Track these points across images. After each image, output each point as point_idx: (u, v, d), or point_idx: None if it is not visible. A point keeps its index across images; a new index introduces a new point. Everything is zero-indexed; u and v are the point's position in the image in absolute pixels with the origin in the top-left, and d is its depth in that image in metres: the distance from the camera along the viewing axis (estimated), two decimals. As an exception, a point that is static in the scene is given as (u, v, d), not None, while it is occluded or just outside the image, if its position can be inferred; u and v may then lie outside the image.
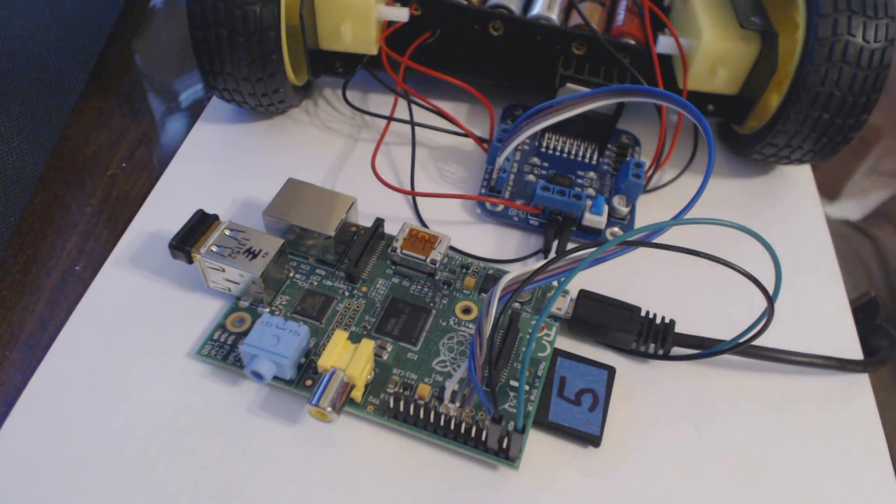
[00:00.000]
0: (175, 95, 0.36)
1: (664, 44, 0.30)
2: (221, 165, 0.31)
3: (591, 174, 0.31)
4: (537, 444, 0.22)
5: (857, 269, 0.31)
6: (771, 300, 0.21)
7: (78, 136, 0.33)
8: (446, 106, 0.32)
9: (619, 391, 0.24)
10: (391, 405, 0.21)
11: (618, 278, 0.27)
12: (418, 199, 0.30)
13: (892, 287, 0.31)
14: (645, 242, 0.20)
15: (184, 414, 0.22)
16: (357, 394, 0.22)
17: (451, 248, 0.27)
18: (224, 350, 0.23)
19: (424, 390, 0.22)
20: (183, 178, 0.30)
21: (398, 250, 0.25)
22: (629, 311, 0.25)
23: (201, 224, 0.24)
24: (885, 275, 0.31)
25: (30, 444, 0.21)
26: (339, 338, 0.22)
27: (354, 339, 0.23)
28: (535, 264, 0.21)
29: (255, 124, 0.33)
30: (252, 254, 0.24)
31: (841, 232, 0.32)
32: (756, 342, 0.23)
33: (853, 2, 0.26)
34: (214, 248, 0.24)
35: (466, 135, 0.31)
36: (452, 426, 0.21)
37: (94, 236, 0.28)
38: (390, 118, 0.31)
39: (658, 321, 0.25)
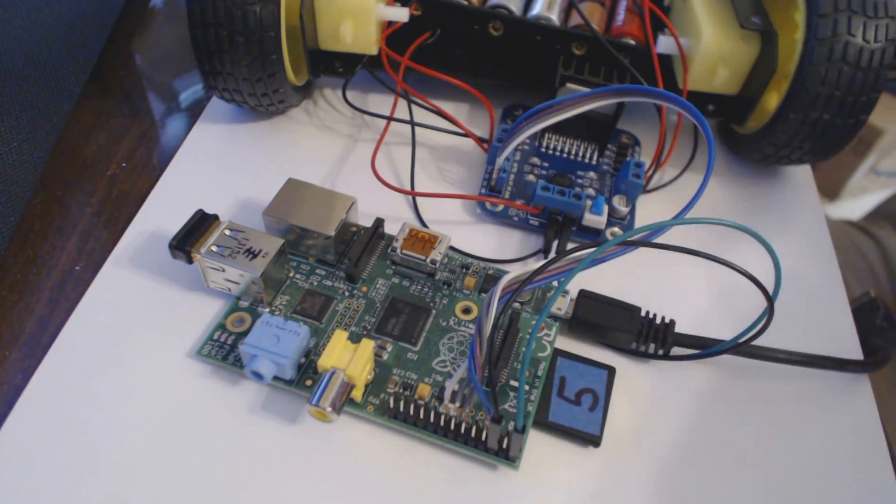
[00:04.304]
0: (175, 95, 0.36)
1: (664, 44, 0.30)
2: (221, 165, 0.31)
3: (591, 174, 0.31)
4: (537, 444, 0.22)
5: (857, 269, 0.31)
6: (771, 300, 0.21)
7: (78, 136, 0.33)
8: (446, 106, 0.32)
9: (619, 391, 0.24)
10: (391, 405, 0.21)
11: (618, 278, 0.27)
12: (418, 199, 0.30)
13: (894, 286, 0.31)
14: (645, 242, 0.20)
15: (184, 414, 0.22)
16: (357, 394, 0.22)
17: (451, 248, 0.27)
18: (224, 350, 0.23)
19: (424, 390, 0.22)
20: (183, 178, 0.30)
21: (398, 250, 0.25)
22: (629, 311, 0.25)
23: (201, 224, 0.24)
24: (886, 274, 0.31)
25: (30, 444, 0.21)
26: (339, 338, 0.22)
27: (354, 339, 0.23)
28: (535, 264, 0.21)
29: (255, 124, 0.33)
30: (252, 254, 0.24)
31: (841, 232, 0.32)
32: (756, 342, 0.23)
33: (853, 2, 0.26)
34: (214, 248, 0.24)
35: (466, 135, 0.31)
36: (452, 426, 0.21)
37: (94, 236, 0.28)
38: (390, 118, 0.31)
39: (658, 321, 0.25)
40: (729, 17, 0.30)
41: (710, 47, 0.29)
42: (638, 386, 0.24)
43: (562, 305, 0.25)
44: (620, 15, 0.32)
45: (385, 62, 0.31)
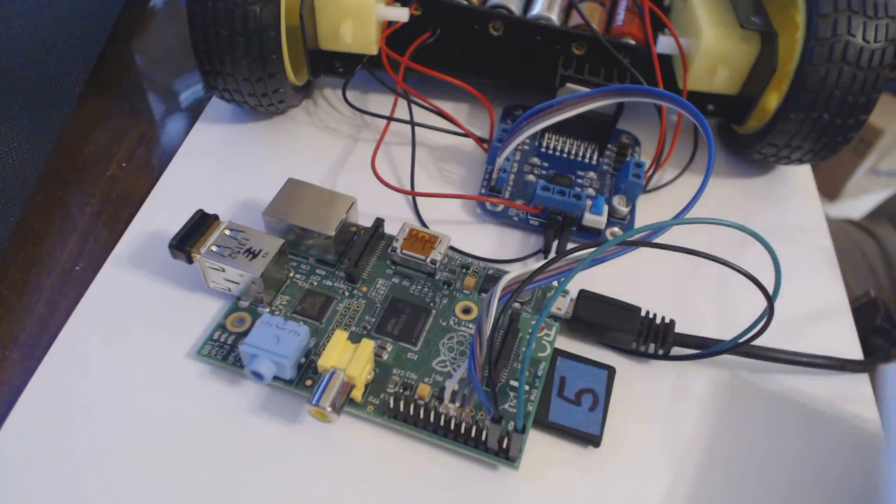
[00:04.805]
0: (175, 95, 0.36)
1: (664, 44, 0.30)
2: (221, 165, 0.31)
3: (591, 174, 0.31)
4: (537, 444, 0.22)
5: (857, 269, 0.31)
6: (771, 300, 0.21)
7: (78, 136, 0.33)
8: (446, 106, 0.32)
9: (619, 391, 0.24)
10: (391, 405, 0.21)
11: (618, 278, 0.27)
12: (418, 199, 0.30)
13: (894, 286, 0.31)
14: (645, 242, 0.20)
15: (184, 414, 0.22)
16: (357, 394, 0.22)
17: (451, 248, 0.27)
18: (224, 350, 0.23)
19: (424, 390, 0.22)
20: (183, 178, 0.30)
21: (398, 250, 0.25)
22: (629, 311, 0.25)
23: (201, 224, 0.24)
24: (886, 274, 0.31)
25: (30, 444, 0.21)
26: (339, 338, 0.22)
27: (354, 339, 0.23)
28: (535, 264, 0.21)
29: (255, 124, 0.33)
30: (252, 254, 0.24)
31: (841, 231, 0.32)
32: (756, 342, 0.23)
33: (853, 2, 0.26)
34: (214, 248, 0.24)
35: (466, 135, 0.31)
36: (452, 426, 0.21)
37: (94, 236, 0.28)
38: (390, 118, 0.31)
39: (658, 321, 0.25)
40: (729, 17, 0.30)
41: (710, 47, 0.29)
42: (638, 386, 0.24)
43: (562, 305, 0.25)
44: (620, 15, 0.32)
45: (385, 62, 0.31)
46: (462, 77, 0.31)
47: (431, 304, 0.25)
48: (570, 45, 0.31)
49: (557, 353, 0.24)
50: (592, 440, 0.22)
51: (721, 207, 0.31)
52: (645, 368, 0.25)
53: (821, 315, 0.27)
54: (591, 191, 0.30)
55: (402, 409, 0.21)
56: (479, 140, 0.31)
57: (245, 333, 0.24)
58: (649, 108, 0.35)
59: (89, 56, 0.36)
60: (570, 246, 0.28)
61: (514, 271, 0.21)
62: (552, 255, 0.28)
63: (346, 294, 0.25)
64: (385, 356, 0.23)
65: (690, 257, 0.20)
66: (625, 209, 0.29)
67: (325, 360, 0.21)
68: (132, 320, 0.24)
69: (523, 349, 0.24)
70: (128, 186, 0.30)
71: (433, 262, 0.25)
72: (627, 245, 0.20)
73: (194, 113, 0.34)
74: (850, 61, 0.26)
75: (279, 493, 0.21)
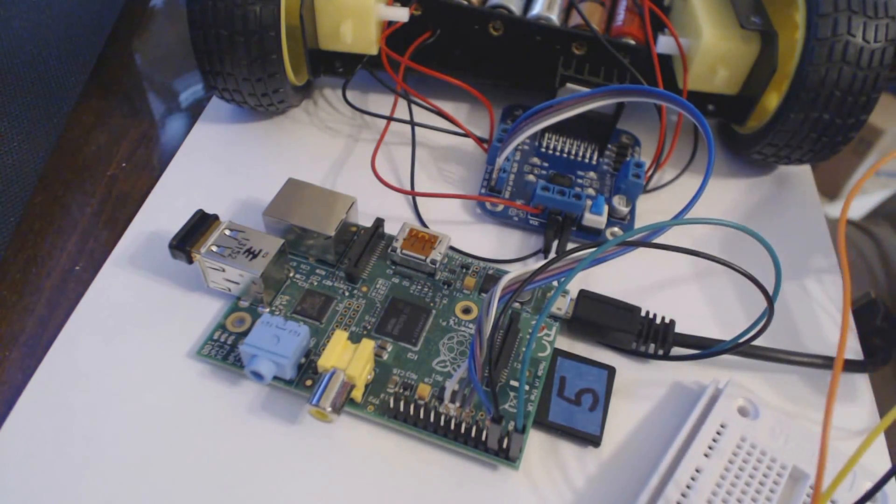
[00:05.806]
0: (175, 95, 0.36)
1: (664, 44, 0.30)
2: (221, 165, 0.31)
3: (591, 174, 0.31)
4: (537, 444, 0.22)
5: (857, 269, 0.31)
6: (771, 300, 0.21)
7: (78, 136, 0.33)
8: (446, 106, 0.32)
9: (619, 391, 0.24)
10: (391, 405, 0.21)
11: (618, 278, 0.27)
12: (418, 199, 0.30)
13: (893, 286, 0.31)
14: (645, 242, 0.20)
15: (184, 414, 0.22)
16: (357, 394, 0.22)
17: (451, 248, 0.27)
18: (224, 350, 0.23)
19: (424, 390, 0.22)
20: (183, 178, 0.30)
21: (398, 250, 0.25)
22: (629, 311, 0.25)
23: (201, 224, 0.24)
24: (885, 273, 0.31)
25: (30, 444, 0.21)
26: (339, 338, 0.22)
27: (354, 339, 0.23)
28: (535, 264, 0.21)
29: (255, 124, 0.33)
30: (252, 254, 0.24)
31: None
32: (756, 342, 0.23)
33: (853, 2, 0.26)
34: (214, 248, 0.24)
35: (466, 135, 0.31)
36: (452, 426, 0.21)
37: (94, 236, 0.28)
38: (390, 118, 0.31)
39: (658, 321, 0.25)
40: (729, 17, 0.30)
41: (710, 47, 0.29)
42: (638, 386, 0.24)
43: (562, 305, 0.25)
44: (620, 15, 0.32)
45: (385, 62, 0.31)
46: (462, 77, 0.31)
47: (431, 304, 0.25)
48: (570, 45, 0.31)
49: (557, 353, 0.24)
50: (592, 440, 0.22)
51: (721, 207, 0.31)
52: (645, 368, 0.25)
53: (821, 315, 0.27)
54: (591, 191, 0.30)
55: (402, 409, 0.21)
56: (479, 140, 0.31)
57: (245, 333, 0.24)
58: (649, 108, 0.35)
59: (89, 56, 0.36)
60: (570, 246, 0.28)
61: (514, 271, 0.21)
62: (552, 255, 0.28)
63: (346, 294, 0.25)
64: (385, 356, 0.23)
65: (690, 257, 0.20)
66: (625, 209, 0.29)
67: (325, 360, 0.21)
68: (132, 320, 0.24)
69: (523, 349, 0.24)
70: (128, 186, 0.30)
71: (433, 262, 0.25)
72: (627, 245, 0.20)
73: (194, 113, 0.34)
74: (850, 61, 0.26)
75: (279, 493, 0.21)
